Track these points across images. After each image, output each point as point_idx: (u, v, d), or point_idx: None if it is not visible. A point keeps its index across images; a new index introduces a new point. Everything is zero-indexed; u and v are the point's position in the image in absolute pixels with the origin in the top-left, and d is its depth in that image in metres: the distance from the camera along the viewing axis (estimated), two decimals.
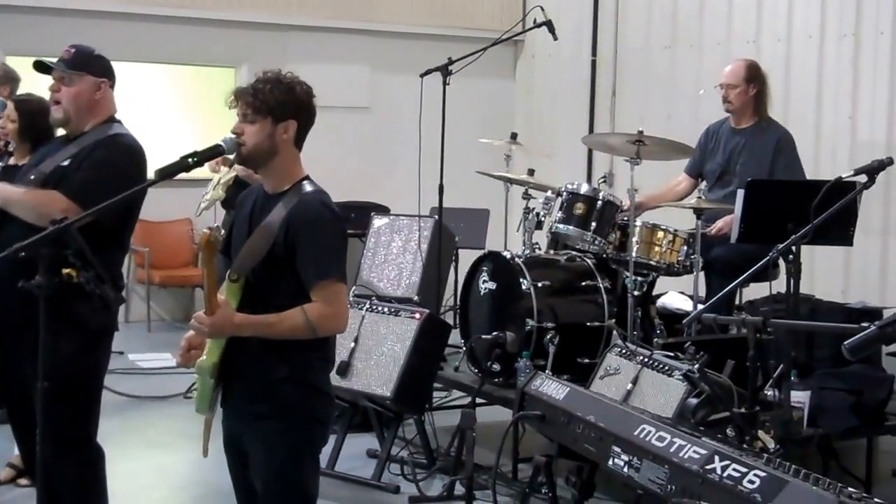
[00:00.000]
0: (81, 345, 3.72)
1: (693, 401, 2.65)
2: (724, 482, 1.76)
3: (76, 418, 3.79)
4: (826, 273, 7.21)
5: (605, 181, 6.65)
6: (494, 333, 5.28)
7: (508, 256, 5.53)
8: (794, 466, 1.99)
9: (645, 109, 8.76)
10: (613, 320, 5.49)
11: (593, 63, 9.42)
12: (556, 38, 5.98)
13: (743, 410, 2.79)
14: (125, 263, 8.99)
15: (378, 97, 9.70)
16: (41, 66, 3.89)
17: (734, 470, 1.77)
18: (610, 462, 2.06)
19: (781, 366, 4.46)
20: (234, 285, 3.13)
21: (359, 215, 8.14)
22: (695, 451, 1.88)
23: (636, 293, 5.44)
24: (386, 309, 5.47)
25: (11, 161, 4.52)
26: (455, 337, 5.86)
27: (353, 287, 6.29)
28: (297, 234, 3.09)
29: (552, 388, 2.30)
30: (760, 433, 4.43)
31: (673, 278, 5.92)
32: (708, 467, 1.82)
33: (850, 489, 1.96)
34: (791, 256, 4.07)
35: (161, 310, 9.32)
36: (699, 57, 8.23)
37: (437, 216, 6.35)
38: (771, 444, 4.26)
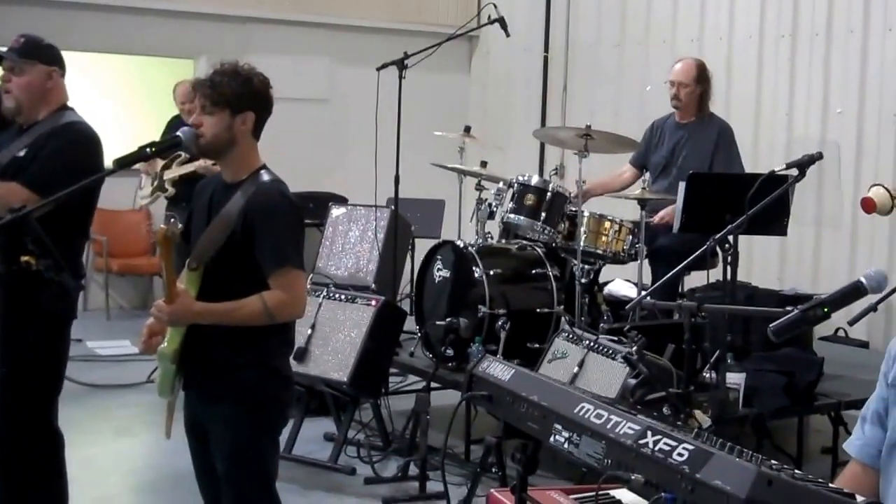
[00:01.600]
0: (42, 332, 3.76)
1: (632, 381, 2.83)
2: (655, 455, 1.83)
3: (37, 405, 3.82)
4: (763, 261, 7.46)
5: (556, 173, 6.84)
6: (448, 319, 5.43)
7: (462, 245, 5.68)
8: (720, 441, 2.12)
9: (594, 104, 8.95)
10: (562, 307, 5.66)
11: (545, 59, 9.59)
12: (508, 35, 6.12)
13: (678, 390, 3.00)
14: (84, 252, 8.98)
15: (337, 89, 9.80)
16: None
17: (665, 444, 1.84)
18: (552, 439, 2.12)
19: (719, 349, 4.70)
20: (194, 273, 3.20)
21: (317, 205, 8.24)
22: (629, 427, 1.94)
23: (583, 281, 5.63)
24: (343, 296, 5.58)
25: None
26: (410, 323, 5.99)
27: (311, 275, 6.43)
28: (254, 222, 3.16)
29: (499, 369, 2.42)
30: (697, 412, 4.65)
31: (620, 266, 6.14)
32: (641, 442, 1.88)
33: (772, 461, 2.08)
34: (728, 246, 4.27)
35: (120, 298, 9.39)
36: (646, 54, 8.44)
37: (392, 206, 6.50)
38: (707, 423, 4.49)
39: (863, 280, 2.48)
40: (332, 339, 5.45)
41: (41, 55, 3.84)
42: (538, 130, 6.03)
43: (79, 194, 3.59)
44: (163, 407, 3.37)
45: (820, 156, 4.41)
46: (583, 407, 2.14)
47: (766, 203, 4.21)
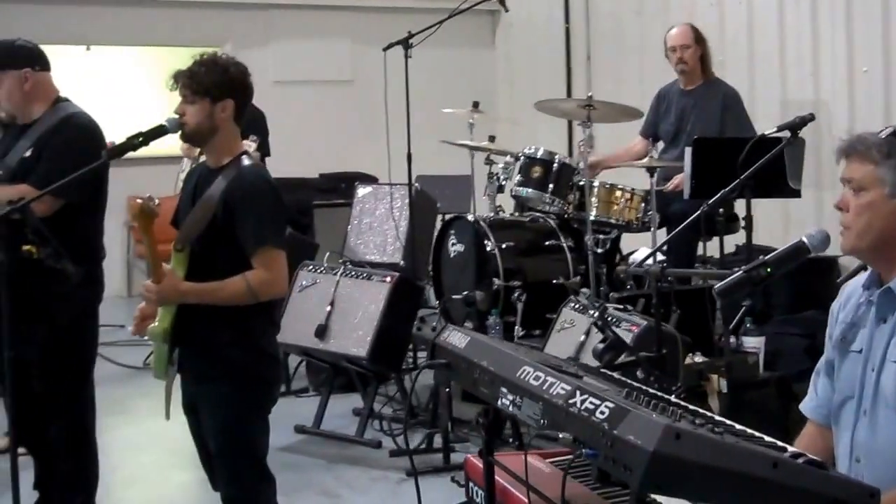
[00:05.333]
0: (68, 319, 3.89)
1: (599, 346, 2.91)
2: (581, 414, 1.88)
3: (67, 385, 3.97)
4: (799, 225, 7.38)
5: (586, 143, 6.84)
6: (465, 293, 5.53)
7: (472, 220, 5.76)
8: (654, 399, 2.17)
9: (618, 74, 8.92)
10: (578, 277, 5.71)
11: (567, 30, 9.56)
12: (506, 10, 6.12)
13: (650, 354, 3.06)
14: (124, 239, 9.20)
15: (360, 70, 9.79)
16: None
17: (590, 403, 1.88)
18: (499, 402, 2.17)
19: (742, 312, 4.72)
20: (180, 255, 3.33)
21: (348, 186, 8.35)
22: (561, 388, 1.97)
23: (599, 251, 5.66)
24: (359, 273, 5.66)
25: None
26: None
27: (340, 255, 6.53)
28: (235, 204, 3.29)
29: (456, 338, 2.46)
30: (714, 377, 4.69)
31: (644, 236, 6.12)
32: (570, 401, 1.92)
33: (707, 414, 2.08)
34: (722, 210, 4.29)
35: None
36: (666, 20, 8.34)
37: (416, 184, 6.57)
38: (724, 388, 4.51)
39: (805, 239, 2.52)
40: (350, 316, 5.53)
41: (9, 62, 3.91)
42: (540, 102, 6.03)
43: (88, 183, 3.75)
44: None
45: (812, 117, 4.40)
46: (524, 370, 2.19)
47: (758, 166, 4.21)
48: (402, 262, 6.65)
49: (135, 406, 6.27)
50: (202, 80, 3.33)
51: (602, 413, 1.89)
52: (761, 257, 2.59)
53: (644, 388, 2.44)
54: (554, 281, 5.70)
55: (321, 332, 5.51)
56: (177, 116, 3.38)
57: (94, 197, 3.99)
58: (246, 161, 3.41)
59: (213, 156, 3.45)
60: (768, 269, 2.49)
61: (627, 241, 6.43)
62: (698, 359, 4.68)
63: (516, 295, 5.54)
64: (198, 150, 7.05)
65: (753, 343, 5.06)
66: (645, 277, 5.53)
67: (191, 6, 9.44)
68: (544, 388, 2.10)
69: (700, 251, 6.07)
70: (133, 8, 9.25)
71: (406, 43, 5.78)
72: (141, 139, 3.38)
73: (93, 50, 9.35)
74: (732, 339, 5.02)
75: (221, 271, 3.29)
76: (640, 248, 6.52)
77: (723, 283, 2.51)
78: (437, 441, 5.20)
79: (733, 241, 6.00)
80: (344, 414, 5.84)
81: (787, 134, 4.43)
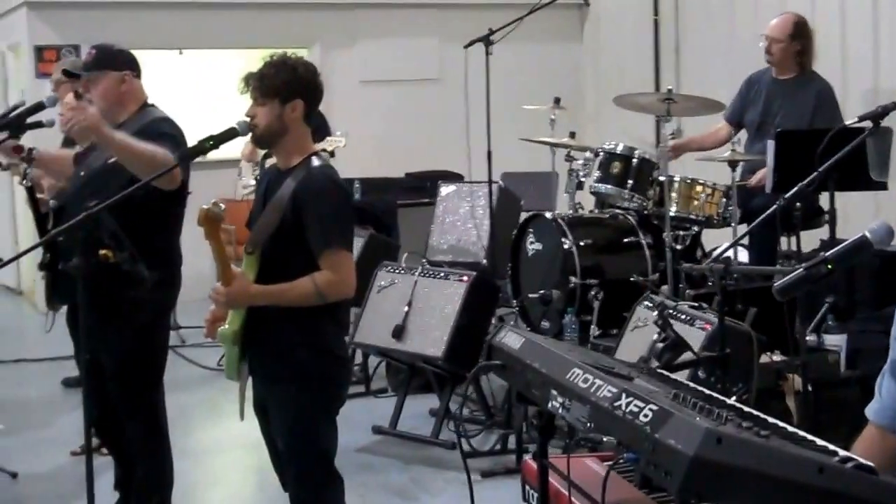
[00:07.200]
0: (142, 323, 3.95)
1: (660, 345, 2.83)
2: (626, 417, 1.85)
3: (140, 392, 4.04)
4: (892, 219, 7.12)
5: (674, 137, 6.71)
6: (541, 292, 5.46)
7: (551, 217, 5.69)
8: (704, 400, 2.10)
9: (707, 64, 8.76)
10: (657, 275, 5.61)
11: (655, 23, 9.39)
12: (588, 3, 6.02)
13: (713, 353, 2.97)
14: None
15: (447, 68, 9.70)
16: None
17: (635, 406, 1.85)
18: (549, 404, 2.14)
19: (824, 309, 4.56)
20: (251, 257, 3.34)
21: (432, 185, 8.34)
22: (608, 390, 1.93)
23: (678, 247, 5.55)
24: (437, 273, 5.62)
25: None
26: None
27: (416, 255, 6.51)
28: (303, 206, 3.28)
29: (511, 339, 2.43)
30: (791, 376, 4.55)
31: (728, 231, 5.99)
32: (616, 404, 1.89)
33: (759, 416, 2.01)
34: (798, 205, 4.16)
35: None
36: (757, 11, 8.18)
37: (500, 182, 6.52)
38: (798, 387, 4.36)
39: (867, 234, 2.40)
40: (427, 317, 5.49)
41: (112, 63, 4.02)
42: (619, 97, 5.92)
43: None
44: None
45: (894, 106, 4.22)
46: (573, 372, 2.15)
47: (837, 159, 4.06)
48: (484, 261, 6.59)
49: (219, 407, 6.34)
50: (271, 82, 3.33)
51: (646, 416, 1.85)
52: (822, 254, 2.47)
53: (698, 389, 2.37)
54: (632, 279, 5.58)
55: (398, 332, 5.48)
56: (247, 119, 3.39)
57: (174, 202, 4.02)
58: (315, 162, 3.40)
59: (283, 157, 3.45)
60: (829, 266, 2.36)
61: (711, 238, 6.28)
62: (777, 357, 4.55)
63: (592, 293, 5.44)
64: (261, 154, 7.18)
65: (835, 341, 4.92)
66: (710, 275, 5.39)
67: (278, 8, 9.53)
68: (591, 390, 2.06)
69: (785, 246, 5.91)
70: (223, 12, 9.38)
71: (487, 40, 5.71)
72: (212, 142, 3.38)
73: (185, 54, 9.52)
74: (814, 337, 4.86)
75: (292, 272, 3.29)
76: (724, 244, 6.37)
77: (782, 280, 2.40)
78: (512, 442, 5.13)
79: (819, 235, 5.80)
80: (421, 414, 5.80)
81: (868, 124, 4.24)
